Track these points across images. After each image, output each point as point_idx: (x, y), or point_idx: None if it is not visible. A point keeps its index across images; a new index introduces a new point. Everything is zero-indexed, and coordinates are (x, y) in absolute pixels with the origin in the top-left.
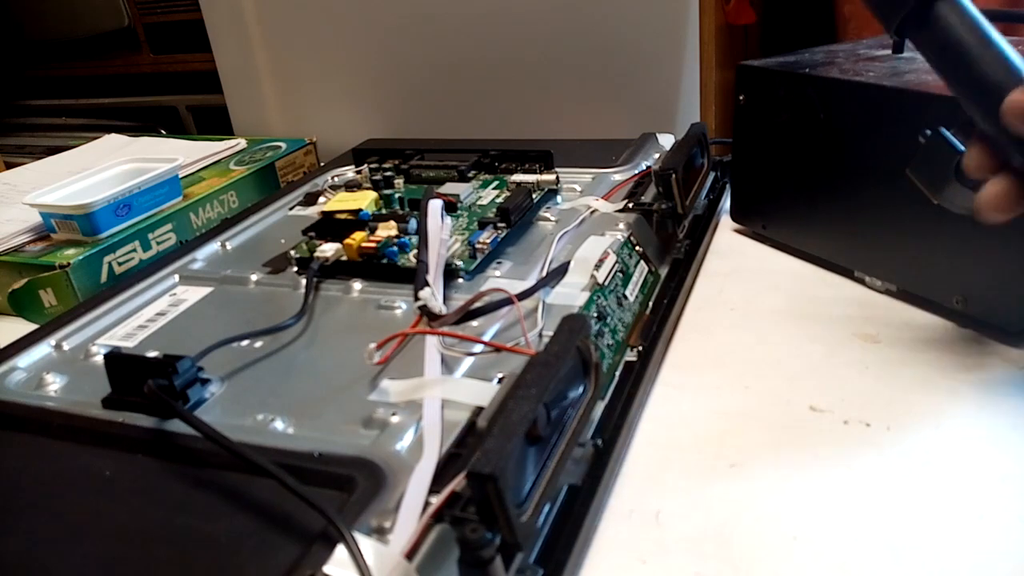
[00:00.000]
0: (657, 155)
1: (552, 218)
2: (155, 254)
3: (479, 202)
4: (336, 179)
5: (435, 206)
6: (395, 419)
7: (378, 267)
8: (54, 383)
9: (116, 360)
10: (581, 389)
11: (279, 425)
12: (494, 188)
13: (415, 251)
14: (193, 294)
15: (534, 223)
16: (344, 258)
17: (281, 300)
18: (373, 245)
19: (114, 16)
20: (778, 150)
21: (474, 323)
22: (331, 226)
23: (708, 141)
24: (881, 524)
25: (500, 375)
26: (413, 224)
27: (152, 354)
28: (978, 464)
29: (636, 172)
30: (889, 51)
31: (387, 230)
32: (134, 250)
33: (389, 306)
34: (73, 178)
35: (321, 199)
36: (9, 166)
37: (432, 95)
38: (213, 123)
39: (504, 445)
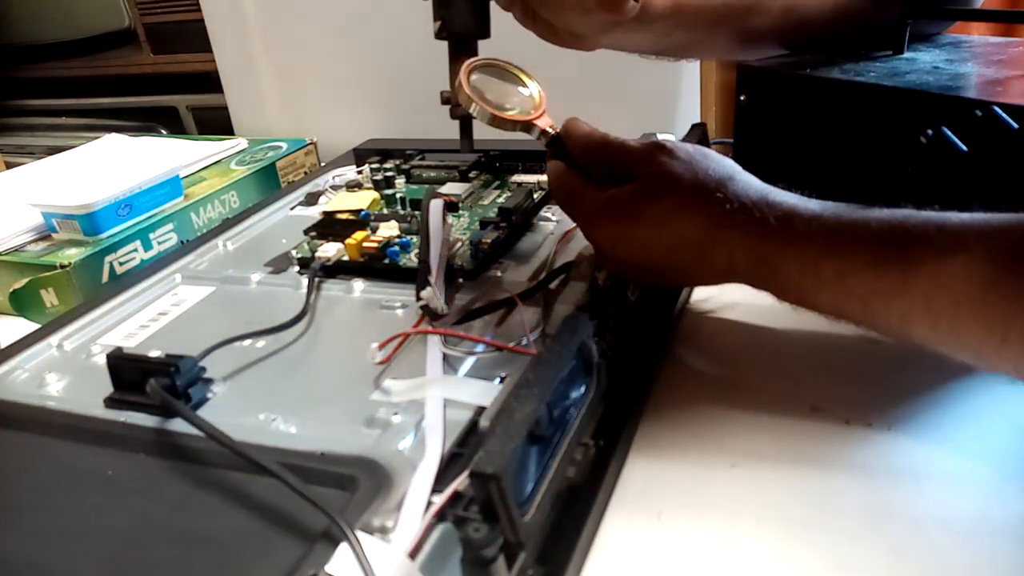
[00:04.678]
0: None
1: (553, 218)
2: (156, 254)
3: (480, 202)
4: (337, 179)
5: (436, 206)
6: (397, 418)
7: (380, 267)
8: (56, 383)
9: (118, 360)
10: (583, 389)
11: (281, 424)
12: (495, 188)
13: (416, 251)
14: (195, 294)
15: (535, 223)
16: (346, 258)
17: (283, 300)
18: (375, 245)
19: (114, 16)
20: (779, 150)
21: (476, 323)
22: (332, 226)
23: (708, 141)
24: (883, 524)
25: (502, 375)
26: (415, 224)
27: (154, 354)
28: (979, 464)
29: None
30: (889, 51)
31: (388, 230)
32: (135, 250)
33: (391, 306)
34: (74, 178)
35: (322, 199)
36: (9, 166)
37: (433, 95)
38: (213, 123)
39: (507, 445)
